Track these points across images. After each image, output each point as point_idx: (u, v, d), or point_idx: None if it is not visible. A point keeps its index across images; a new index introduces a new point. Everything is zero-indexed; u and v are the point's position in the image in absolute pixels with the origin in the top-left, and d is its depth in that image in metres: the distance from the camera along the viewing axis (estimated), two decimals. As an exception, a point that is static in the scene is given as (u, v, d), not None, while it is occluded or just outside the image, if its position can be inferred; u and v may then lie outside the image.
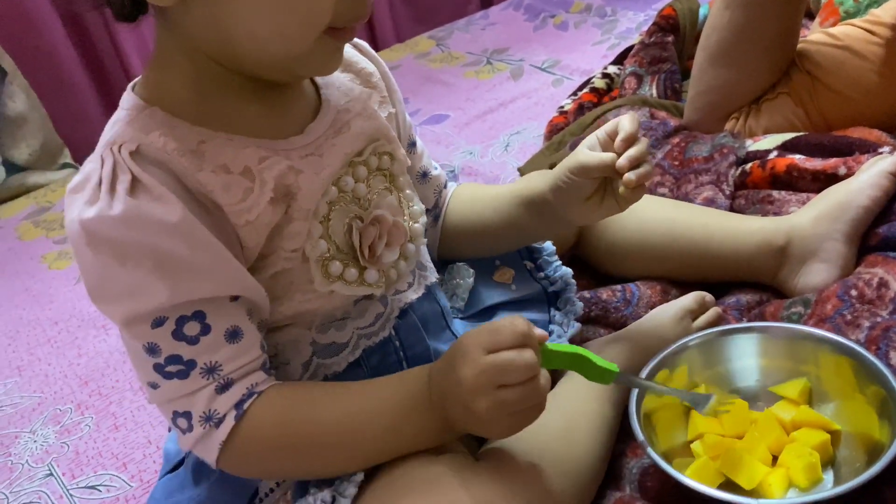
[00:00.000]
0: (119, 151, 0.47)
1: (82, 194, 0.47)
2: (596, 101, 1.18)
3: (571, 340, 0.66)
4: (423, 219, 0.59)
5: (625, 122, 0.59)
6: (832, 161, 0.79)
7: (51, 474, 0.75)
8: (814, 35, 0.97)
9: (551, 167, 0.96)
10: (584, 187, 0.60)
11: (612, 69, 1.23)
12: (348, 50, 0.60)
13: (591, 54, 1.45)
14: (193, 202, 0.48)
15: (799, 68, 0.93)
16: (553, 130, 1.15)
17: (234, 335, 0.50)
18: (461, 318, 0.66)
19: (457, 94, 1.43)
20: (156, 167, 0.47)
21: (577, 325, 0.66)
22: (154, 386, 0.50)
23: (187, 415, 0.50)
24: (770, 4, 0.89)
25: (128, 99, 0.51)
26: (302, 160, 0.52)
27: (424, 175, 0.67)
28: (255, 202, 0.49)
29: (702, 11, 1.24)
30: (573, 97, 1.21)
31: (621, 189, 0.58)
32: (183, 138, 0.48)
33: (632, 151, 0.57)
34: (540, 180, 0.65)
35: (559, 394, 0.59)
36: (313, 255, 0.52)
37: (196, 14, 0.47)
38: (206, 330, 0.49)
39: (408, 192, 0.59)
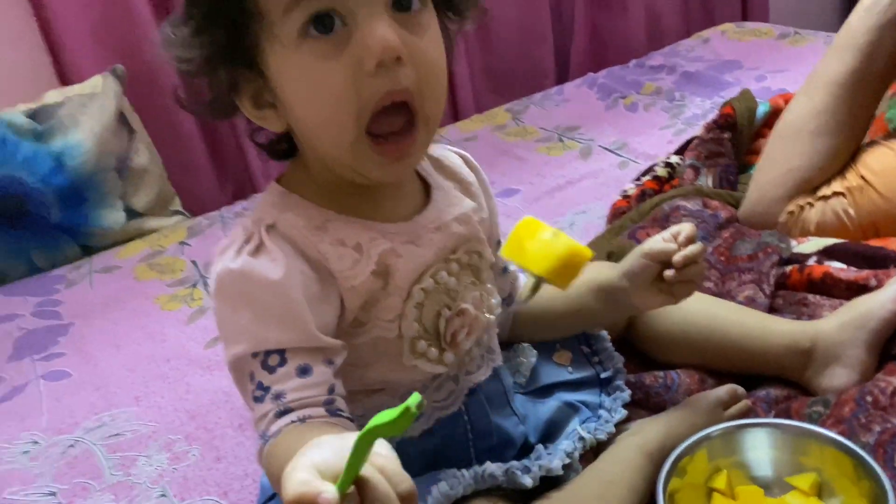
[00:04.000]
0: (259, 225, 0.60)
1: (226, 254, 0.59)
2: (657, 188, 1.28)
3: (617, 425, 0.75)
4: (498, 310, 0.70)
5: (686, 226, 0.72)
6: (864, 273, 0.87)
7: (164, 495, 0.88)
8: (872, 143, 1.05)
9: (609, 255, 1.07)
10: (649, 271, 0.72)
11: (675, 159, 1.33)
12: (456, 161, 0.72)
13: (658, 138, 1.55)
14: (310, 268, 0.59)
15: (854, 171, 1.01)
16: (616, 214, 1.25)
17: (304, 371, 0.57)
18: (522, 393, 0.77)
19: (529, 168, 1.54)
20: (283, 240, 0.59)
21: (624, 412, 0.76)
22: (251, 410, 0.58)
23: (263, 434, 0.57)
24: (852, 93, 0.98)
25: (273, 187, 0.64)
26: (402, 245, 0.62)
27: (504, 270, 0.78)
28: (361, 271, 0.60)
29: (761, 109, 1.33)
30: (636, 182, 1.32)
31: (666, 272, 0.70)
32: (311, 217, 0.60)
33: (689, 250, 0.70)
34: (609, 269, 0.76)
35: (598, 463, 0.69)
36: (407, 334, 0.63)
37: (289, 120, 0.59)
38: (282, 363, 0.56)
39: (489, 286, 0.70)
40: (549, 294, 0.79)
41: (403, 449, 0.66)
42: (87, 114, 1.48)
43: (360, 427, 0.41)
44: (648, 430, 0.74)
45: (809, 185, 1.04)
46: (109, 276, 1.41)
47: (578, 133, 1.66)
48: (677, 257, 0.70)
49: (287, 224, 0.59)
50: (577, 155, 1.56)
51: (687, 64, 1.88)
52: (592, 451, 0.74)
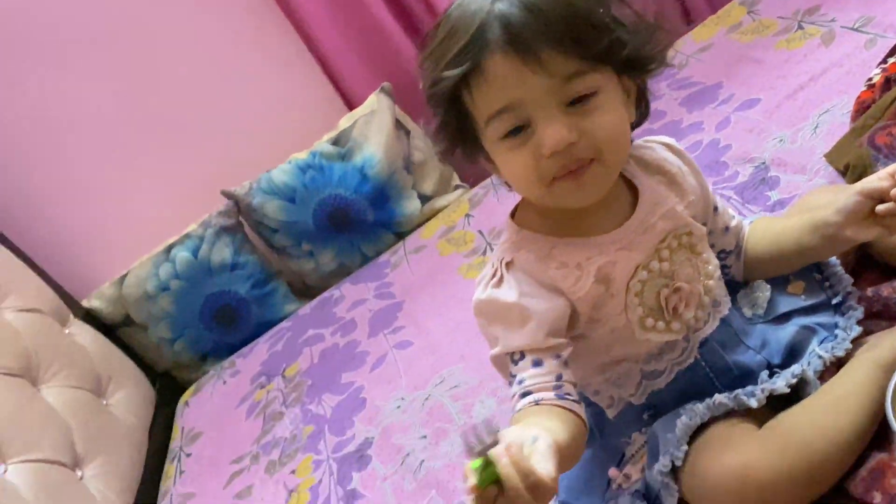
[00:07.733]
0: (501, 263, 0.81)
1: (479, 286, 0.82)
2: (904, 70, 1.24)
3: (855, 340, 0.84)
4: (717, 273, 0.83)
5: None
6: None
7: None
8: None
9: (846, 168, 1.10)
10: (863, 207, 0.79)
11: (922, 31, 1.26)
12: (659, 153, 0.85)
13: (909, 1, 1.44)
14: (543, 289, 0.78)
15: None
16: (860, 108, 1.24)
17: (537, 364, 0.76)
18: (763, 323, 0.90)
19: (768, 71, 1.53)
20: (520, 272, 0.79)
21: (858, 329, 0.84)
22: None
23: (513, 408, 0.77)
24: None
25: (509, 225, 0.84)
26: (616, 253, 0.79)
27: (726, 229, 0.90)
28: (583, 285, 0.79)
29: None
30: (882, 66, 1.28)
31: (878, 207, 0.77)
32: (539, 250, 0.80)
33: None
34: (824, 209, 0.84)
35: (833, 379, 0.80)
36: (633, 318, 0.80)
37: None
38: (522, 358, 0.77)
39: (704, 255, 0.83)
40: (772, 237, 0.90)
41: (657, 396, 0.84)
42: (372, 129, 1.82)
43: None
44: (884, 344, 0.81)
45: None
46: (420, 255, 1.75)
47: (819, 14, 1.59)
48: (894, 192, 0.76)
49: (521, 260, 0.80)
50: (819, 43, 1.51)
51: None
52: (836, 367, 0.83)
